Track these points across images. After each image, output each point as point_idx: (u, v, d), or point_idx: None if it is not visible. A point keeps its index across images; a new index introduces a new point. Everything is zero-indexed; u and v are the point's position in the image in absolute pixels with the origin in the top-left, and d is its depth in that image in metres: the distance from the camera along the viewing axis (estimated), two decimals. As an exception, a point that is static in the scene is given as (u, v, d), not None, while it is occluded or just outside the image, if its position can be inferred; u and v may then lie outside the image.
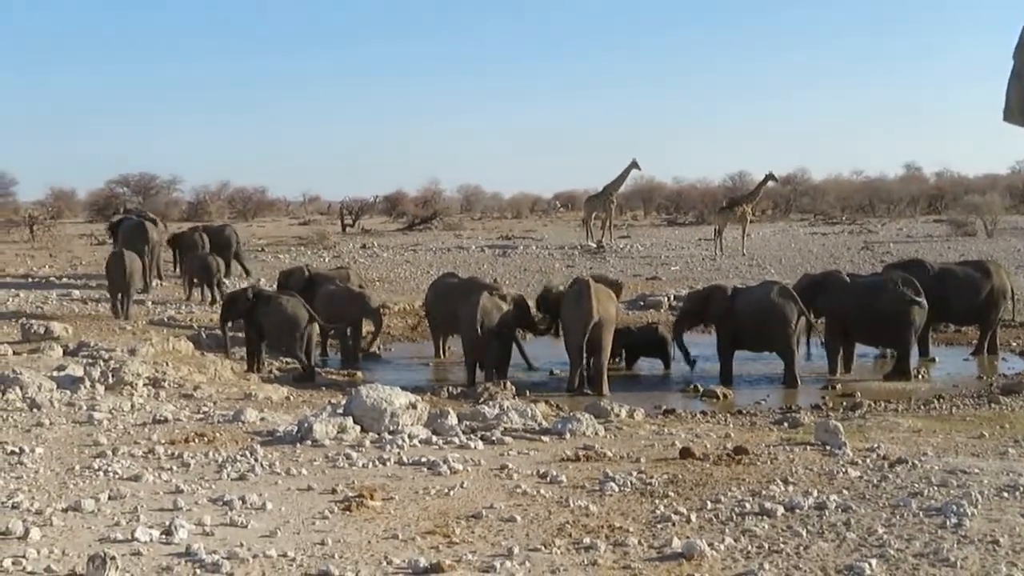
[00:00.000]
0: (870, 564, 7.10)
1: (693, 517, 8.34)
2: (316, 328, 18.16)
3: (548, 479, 9.62)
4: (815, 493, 8.97)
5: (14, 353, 17.09)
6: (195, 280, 25.60)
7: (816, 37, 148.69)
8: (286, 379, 17.25)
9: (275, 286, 21.81)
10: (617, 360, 18.91)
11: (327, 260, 32.43)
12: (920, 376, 17.69)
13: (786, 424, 12.81)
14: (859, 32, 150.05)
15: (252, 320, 18.16)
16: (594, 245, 36.84)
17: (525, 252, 35.37)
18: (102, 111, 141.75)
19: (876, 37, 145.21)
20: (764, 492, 9.08)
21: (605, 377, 16.77)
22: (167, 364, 16.35)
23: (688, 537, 7.73)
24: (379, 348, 20.99)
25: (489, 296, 17.71)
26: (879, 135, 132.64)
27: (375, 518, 8.37)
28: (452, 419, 11.94)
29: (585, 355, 16.82)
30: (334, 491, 9.14)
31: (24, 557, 7.23)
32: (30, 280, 27.66)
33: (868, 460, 10.28)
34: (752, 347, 17.91)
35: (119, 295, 22.43)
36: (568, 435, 11.57)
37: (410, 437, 11.20)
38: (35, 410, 12.70)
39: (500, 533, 8.00)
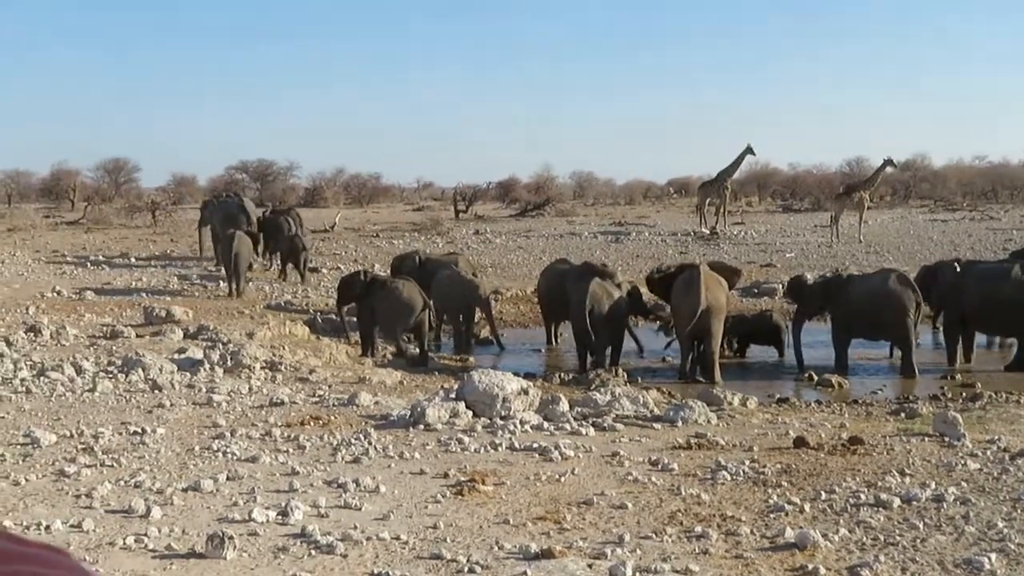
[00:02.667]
0: (989, 559, 6.94)
1: (807, 507, 8.25)
2: (428, 314, 18.27)
3: (659, 467, 9.58)
4: (933, 485, 8.80)
5: (137, 336, 17.53)
6: (285, 261, 26.14)
7: (937, 19, 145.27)
8: (400, 363, 17.41)
9: (389, 271, 22.01)
10: (730, 348, 18.74)
11: (440, 246, 32.64)
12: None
13: (903, 414, 12.58)
14: (982, 14, 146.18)
15: (366, 304, 18.34)
16: (708, 232, 36.53)
17: (638, 238, 35.21)
18: (222, 98, 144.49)
19: (1000, 17, 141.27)
20: (880, 483, 8.93)
21: (717, 364, 16.64)
22: (284, 348, 16.64)
23: (802, 527, 7.64)
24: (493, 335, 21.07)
25: (600, 282, 17.67)
26: (1002, 120, 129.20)
27: (487, 503, 8.41)
28: (563, 405, 11.95)
29: (696, 342, 16.72)
30: (446, 475, 9.22)
31: (146, 535, 7.42)
32: (153, 264, 28.32)
33: (988, 452, 10.05)
34: (869, 336, 17.60)
35: (233, 275, 23.31)
36: (680, 423, 11.51)
37: (522, 423, 11.24)
38: (156, 391, 13.01)
39: (611, 520, 8.00)
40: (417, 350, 18.15)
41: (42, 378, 13.53)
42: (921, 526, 7.75)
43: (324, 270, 27.40)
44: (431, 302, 18.41)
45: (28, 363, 14.59)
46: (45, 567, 0.89)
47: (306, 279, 25.45)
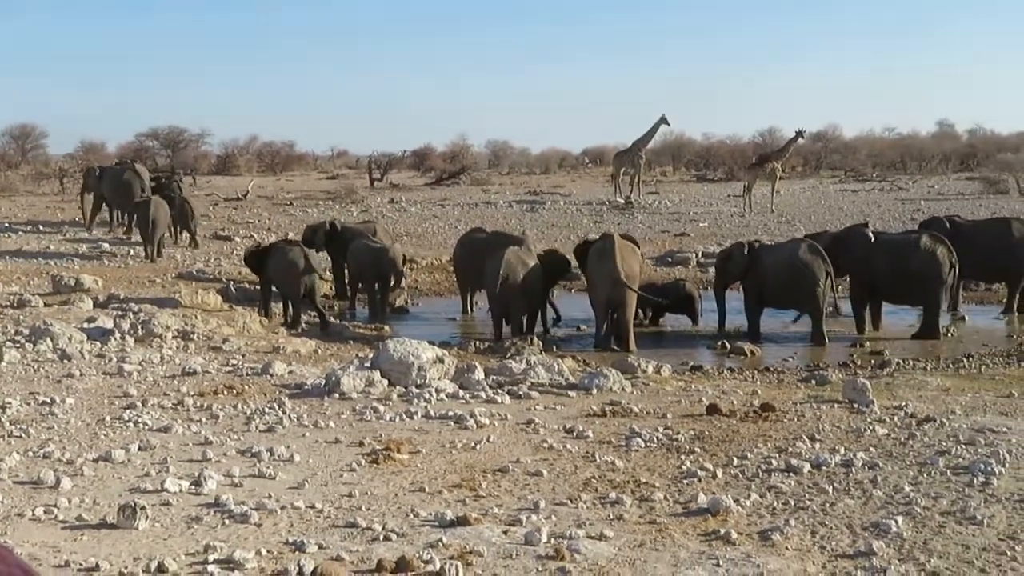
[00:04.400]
0: (896, 522, 7.10)
1: (719, 473, 8.37)
2: (314, 279, 18.28)
3: (574, 434, 9.65)
4: (842, 450, 8.97)
5: (45, 305, 17.20)
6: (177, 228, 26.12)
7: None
8: (314, 332, 17.31)
9: (301, 239, 21.88)
10: (645, 316, 18.90)
11: (355, 214, 32.42)
12: (949, 334, 17.62)
13: (814, 381, 12.79)
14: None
15: (262, 270, 18.62)
16: (622, 201, 36.70)
17: (553, 208, 35.27)
18: (131, 62, 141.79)
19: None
20: (791, 449, 9.09)
21: (632, 333, 16.77)
22: (196, 317, 16.45)
23: (714, 493, 7.75)
24: (407, 302, 21.06)
25: (515, 250, 17.70)
26: (911, 92, 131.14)
27: (402, 471, 8.42)
28: (479, 374, 11.97)
29: (610, 311, 16.83)
30: (361, 444, 9.20)
31: (55, 506, 7.32)
32: (61, 234, 27.79)
33: (896, 418, 10.26)
34: (779, 304, 17.85)
35: (150, 240, 23.47)
36: (595, 390, 11.59)
37: (437, 391, 11.25)
38: (66, 361, 12.81)
39: (526, 487, 8.04)
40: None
41: (-54, 348, 13.25)
42: (831, 490, 7.90)
43: (237, 239, 27.10)
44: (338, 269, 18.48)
45: (-68, 333, 14.27)
46: None
47: (198, 245, 25.62)
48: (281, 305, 18.58)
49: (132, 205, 26.71)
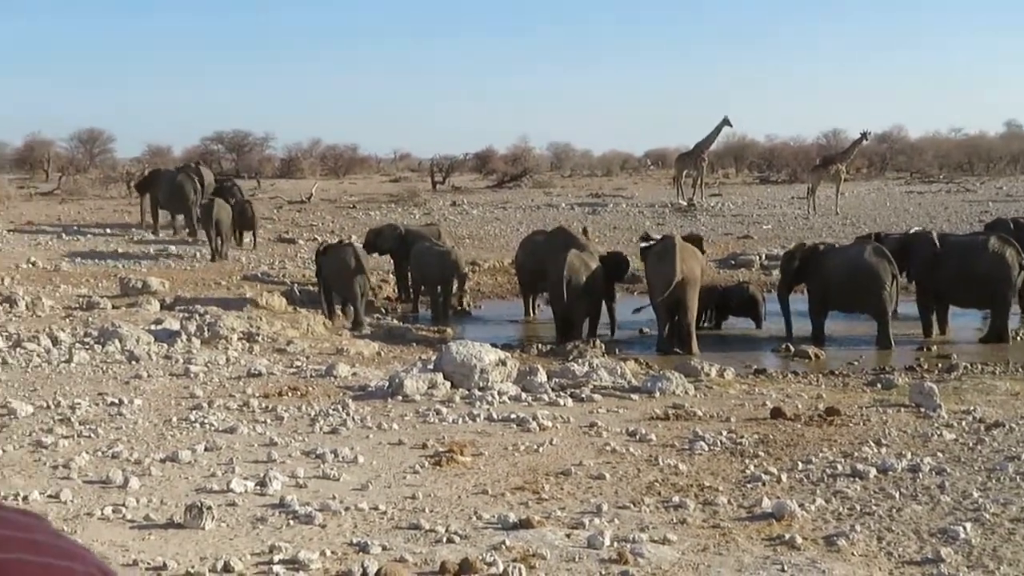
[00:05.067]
0: (964, 528, 7.00)
1: (784, 477, 8.30)
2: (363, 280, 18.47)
3: (637, 437, 9.62)
4: (909, 455, 8.86)
5: (113, 307, 17.46)
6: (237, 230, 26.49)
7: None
8: (378, 334, 17.40)
9: (363, 243, 22.00)
10: (707, 319, 18.80)
11: (417, 217, 32.55)
12: (1018, 338, 17.36)
13: (879, 385, 12.65)
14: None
15: (319, 270, 18.91)
16: (685, 203, 36.54)
17: (615, 210, 35.19)
18: (198, 66, 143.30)
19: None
20: (856, 454, 8.99)
21: (694, 336, 16.69)
22: (261, 319, 16.61)
23: (779, 497, 7.69)
24: (469, 305, 21.10)
25: (577, 253, 17.67)
26: (979, 92, 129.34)
27: (465, 473, 8.43)
28: (541, 376, 11.97)
29: (672, 314, 16.76)
30: (424, 446, 9.23)
31: (124, 505, 7.41)
32: (128, 236, 28.14)
33: (964, 423, 10.12)
34: (844, 307, 17.67)
35: (216, 240, 24.06)
36: (658, 394, 11.54)
37: (499, 394, 11.26)
38: (134, 363, 12.97)
39: (589, 490, 8.03)
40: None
41: (18, 349, 13.48)
42: (897, 496, 7.81)
43: (301, 241, 27.32)
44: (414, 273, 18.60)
45: (3, 334, 14.53)
46: (28, 532, 0.89)
47: (256, 245, 26.14)
48: (349, 307, 18.70)
49: (186, 208, 27.25)
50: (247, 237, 26.38)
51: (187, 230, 28.06)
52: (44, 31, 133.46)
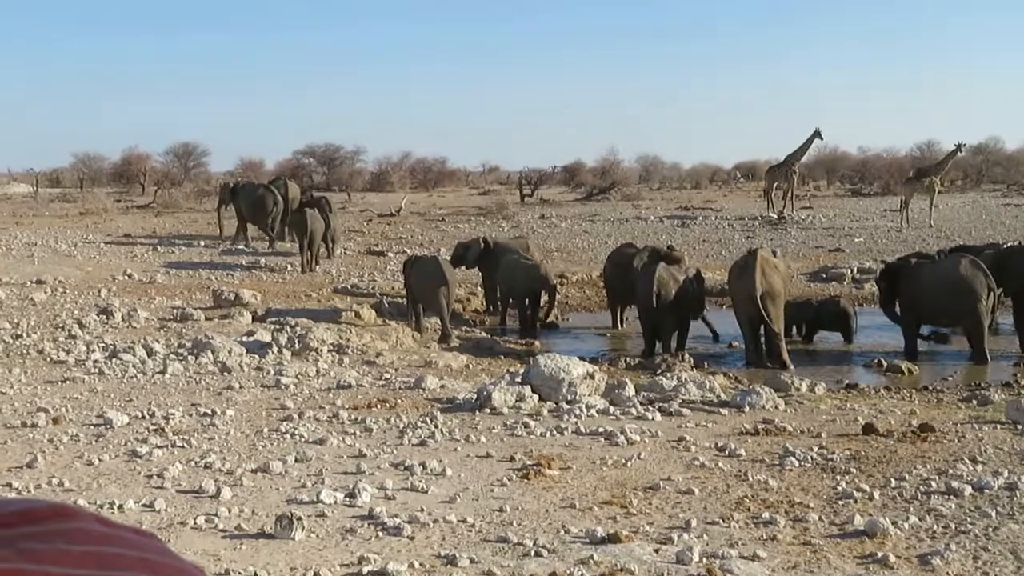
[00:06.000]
0: (1064, 548, 6.84)
1: (876, 495, 8.17)
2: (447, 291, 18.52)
3: (726, 452, 9.53)
4: (1005, 473, 8.67)
5: (206, 318, 17.73)
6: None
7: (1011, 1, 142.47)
8: (466, 347, 17.46)
9: (451, 256, 22.10)
10: (798, 333, 18.60)
11: (506, 230, 32.64)
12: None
13: (975, 401, 12.41)
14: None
15: (407, 282, 19.05)
16: (775, 216, 36.21)
17: (704, 223, 34.98)
18: (293, 82, 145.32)
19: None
20: (951, 471, 8.82)
21: (784, 349, 16.52)
22: (351, 331, 16.76)
23: (871, 515, 7.57)
24: (557, 318, 21.08)
25: (666, 267, 17.59)
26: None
27: (553, 487, 8.42)
28: (630, 390, 11.93)
29: (757, 328, 16.61)
30: (512, 459, 9.24)
31: (216, 515, 7.51)
32: (221, 249, 28.57)
33: (1063, 441, 9.89)
34: (938, 321, 17.36)
35: (307, 251, 24.37)
36: (747, 408, 11.44)
37: (587, 407, 11.23)
38: (226, 374, 13.16)
39: (678, 505, 7.98)
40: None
41: (114, 360, 13.74)
42: (993, 514, 7.64)
43: (390, 254, 27.52)
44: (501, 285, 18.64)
45: (100, 345, 14.83)
46: (140, 551, 0.90)
47: (331, 257, 26.43)
48: (436, 319, 18.79)
49: (265, 222, 27.73)
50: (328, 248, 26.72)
51: (270, 241, 28.46)
52: (145, 49, 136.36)
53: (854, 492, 8.19)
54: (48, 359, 14.00)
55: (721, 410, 11.41)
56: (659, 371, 14.51)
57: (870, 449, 9.69)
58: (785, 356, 16.36)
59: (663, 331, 17.29)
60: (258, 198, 28.38)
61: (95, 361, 13.65)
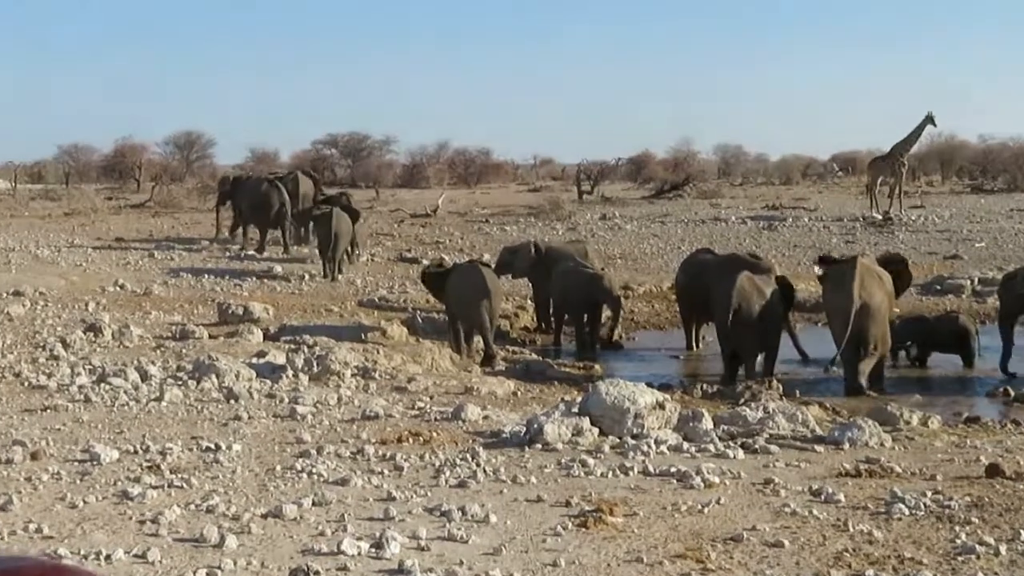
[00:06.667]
0: None
1: (1003, 549, 8.07)
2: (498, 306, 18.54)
3: (822, 497, 9.45)
4: None
5: (210, 336, 17.82)
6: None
7: None
8: (513, 371, 17.45)
9: (495, 264, 22.12)
10: (908, 356, 18.46)
11: (561, 233, 32.65)
12: None
13: (1120, 438, 12.24)
14: None
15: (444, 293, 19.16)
16: (880, 217, 35.99)
17: (795, 225, 34.82)
18: (310, 62, 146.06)
19: None
20: (1092, 522, 8.70)
21: (883, 376, 16.45)
22: (378, 352, 16.79)
23: (996, 573, 7.48)
24: (621, 336, 21.03)
25: (750, 276, 17.49)
26: None
27: (615, 537, 8.38)
28: (707, 422, 11.85)
29: (858, 349, 16.48)
30: (568, 504, 9.19)
31: (219, 568, 7.52)
32: (227, 253, 28.73)
33: None
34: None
35: (330, 257, 24.61)
36: (847, 445, 11.34)
37: (657, 443, 11.17)
38: (232, 401, 13.21)
39: (764, 560, 7.91)
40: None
41: (102, 385, 13.82)
42: None
43: (425, 261, 27.58)
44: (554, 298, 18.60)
45: (87, 367, 14.93)
46: None
47: (352, 262, 26.66)
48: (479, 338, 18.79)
49: (266, 222, 27.88)
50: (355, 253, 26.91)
51: (284, 246, 28.60)
52: (138, 22, 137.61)
53: (976, 546, 8.09)
54: (26, 384, 14.11)
55: (816, 447, 11.32)
56: (742, 400, 14.44)
57: (995, 495, 9.57)
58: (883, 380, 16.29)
59: (746, 353, 17.20)
60: (261, 195, 28.51)
61: (80, 386, 13.73)
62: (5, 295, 21.10)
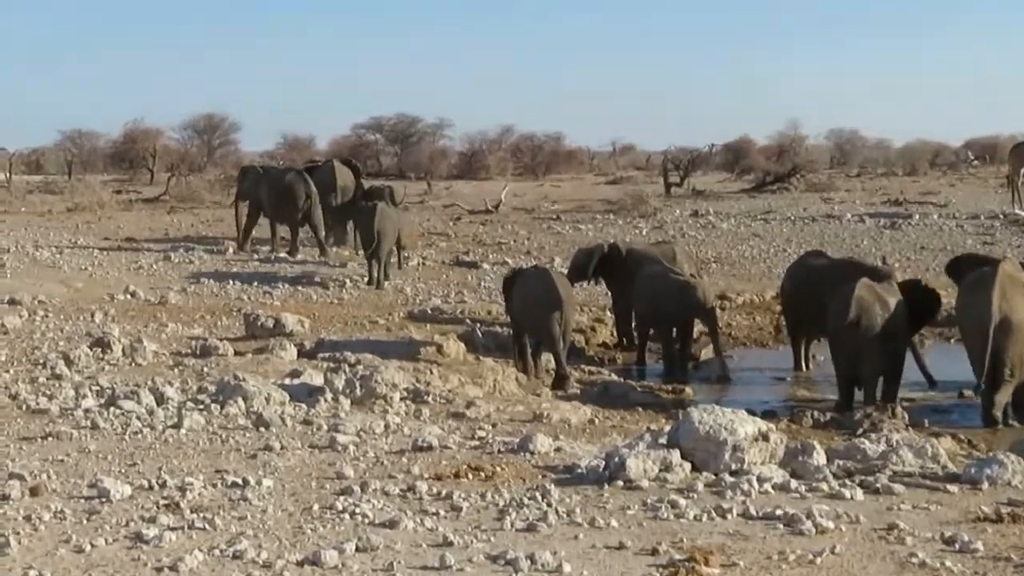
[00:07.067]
0: None
1: None
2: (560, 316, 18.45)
3: (957, 546, 9.38)
4: None
5: (236, 353, 17.91)
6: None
7: None
8: (590, 394, 17.42)
9: (568, 268, 22.10)
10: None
11: (645, 233, 32.62)
12: None
13: None
14: None
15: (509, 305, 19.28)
16: (1023, 213, 35.72)
17: (923, 223, 34.59)
18: (348, 35, 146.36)
19: None
20: None
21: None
22: (431, 372, 16.82)
23: None
24: (719, 354, 20.94)
25: (869, 284, 17.37)
26: None
27: (711, 591, 8.35)
28: (819, 457, 11.79)
29: (999, 369, 16.35)
30: (655, 551, 9.17)
31: (248, 624, 7.56)
32: (256, 256, 28.86)
33: None
34: None
35: (374, 260, 24.81)
36: (985, 484, 11.24)
37: (759, 480, 11.12)
38: (262, 429, 13.26)
39: (887, 620, 7.86)
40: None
41: (112, 409, 13.92)
42: None
43: (485, 265, 27.65)
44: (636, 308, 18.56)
45: (94, 389, 15.03)
46: None
47: (401, 266, 26.99)
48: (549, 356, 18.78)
49: (295, 217, 27.96)
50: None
51: (320, 248, 28.74)
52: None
53: None
54: (24, 407, 14.22)
55: (948, 486, 11.23)
56: (860, 430, 14.37)
57: None
58: None
59: (865, 375, 17.09)
60: (286, 186, 28.62)
61: (87, 411, 13.83)
62: (-1, 304, 21.31)
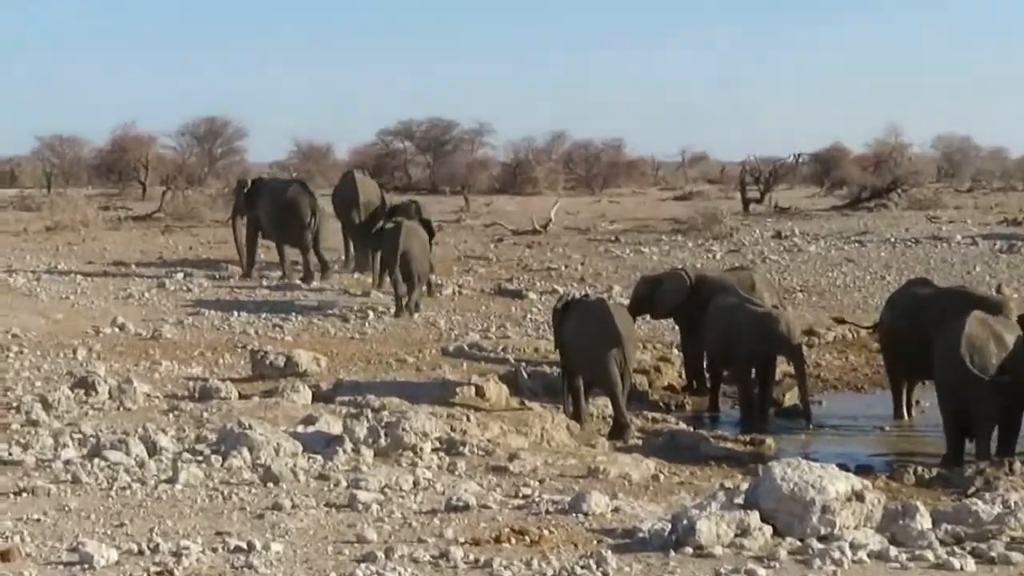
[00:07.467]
0: None
1: None
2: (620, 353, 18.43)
3: (1088, 628, 9.35)
4: None
5: (240, 396, 17.94)
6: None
7: None
8: (653, 445, 17.40)
9: (630, 299, 22.10)
10: None
11: (719, 257, 32.61)
12: None
13: None
14: None
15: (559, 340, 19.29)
16: None
17: (1048, 246, 34.51)
18: (372, 32, 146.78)
19: None
20: None
21: None
22: (468, 419, 16.82)
23: None
24: (807, 399, 20.87)
25: (983, 318, 17.30)
26: None
27: (797, 678, 8.35)
28: (923, 520, 11.75)
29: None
30: (730, 631, 9.18)
31: None
32: (264, 282, 28.95)
33: None
34: None
35: (401, 283, 24.92)
36: (1122, 553, 11.19)
37: (853, 547, 11.10)
38: (270, 485, 13.28)
39: None
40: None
41: (96, 461, 13.96)
42: None
43: (532, 294, 27.65)
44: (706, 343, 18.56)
45: (75, 437, 15.08)
46: None
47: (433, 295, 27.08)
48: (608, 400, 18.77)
49: (299, 238, 28.03)
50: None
51: (322, 269, 28.83)
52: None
53: None
54: (-6, 458, 14.30)
55: (1077, 556, 11.20)
56: (972, 489, 14.32)
57: None
58: None
59: (978, 423, 17.02)
60: (288, 202, 28.71)
61: (67, 462, 13.88)
62: (-34, 339, 21.42)
